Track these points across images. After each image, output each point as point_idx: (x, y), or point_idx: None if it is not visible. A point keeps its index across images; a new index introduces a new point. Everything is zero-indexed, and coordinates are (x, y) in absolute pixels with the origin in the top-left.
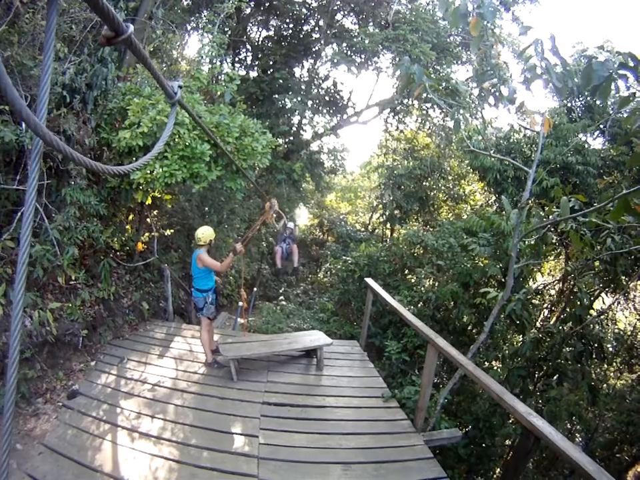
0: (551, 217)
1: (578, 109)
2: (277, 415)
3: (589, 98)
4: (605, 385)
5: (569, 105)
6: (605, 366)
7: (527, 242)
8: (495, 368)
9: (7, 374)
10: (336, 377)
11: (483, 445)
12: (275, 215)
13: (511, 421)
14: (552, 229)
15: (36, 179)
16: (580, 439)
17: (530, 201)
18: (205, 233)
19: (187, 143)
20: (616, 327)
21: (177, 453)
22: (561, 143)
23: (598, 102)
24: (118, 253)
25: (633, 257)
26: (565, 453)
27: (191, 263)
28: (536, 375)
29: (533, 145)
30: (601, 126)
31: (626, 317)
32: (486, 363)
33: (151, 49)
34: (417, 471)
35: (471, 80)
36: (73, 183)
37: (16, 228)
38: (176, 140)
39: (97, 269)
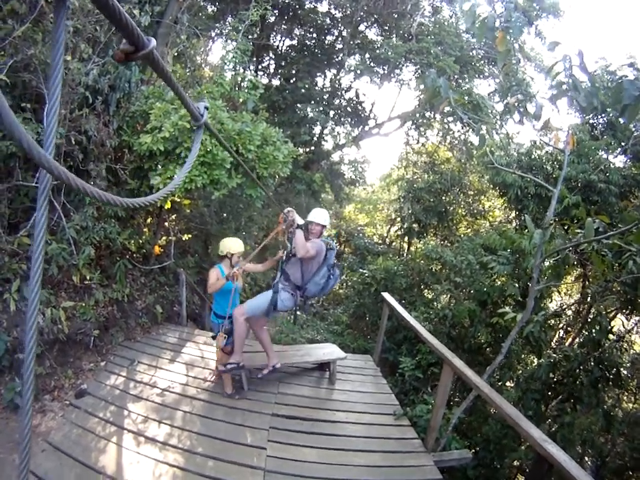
0: (575, 238)
1: (600, 126)
2: (287, 427)
3: (611, 115)
4: (619, 410)
5: (592, 121)
6: (618, 390)
7: (548, 262)
8: (509, 389)
9: (24, 370)
10: (348, 391)
11: (491, 466)
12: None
13: (521, 443)
14: (571, 249)
15: (45, 213)
16: (590, 464)
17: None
18: (224, 242)
19: (208, 149)
20: (632, 349)
21: (182, 461)
22: (583, 161)
23: (621, 120)
24: (134, 255)
25: None
26: None
27: (206, 268)
28: (548, 398)
29: (555, 162)
30: (623, 144)
31: None
32: (499, 383)
33: (175, 54)
34: None
35: (493, 94)
36: (92, 183)
37: (33, 225)
38: None
39: (112, 270)
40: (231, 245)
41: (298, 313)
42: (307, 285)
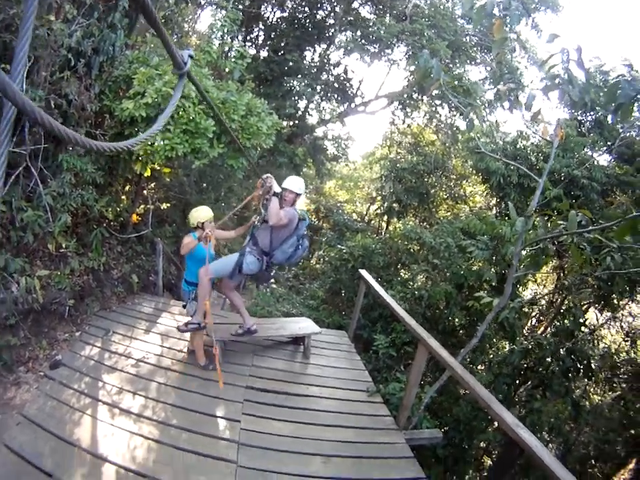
0: (557, 229)
1: (588, 123)
2: (260, 400)
3: (600, 114)
4: (586, 401)
5: (580, 118)
6: (587, 381)
7: (527, 251)
8: (480, 372)
9: None
10: (322, 366)
11: (460, 447)
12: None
13: (489, 426)
14: (549, 240)
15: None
16: (556, 451)
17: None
18: (192, 214)
19: (191, 117)
20: (603, 343)
21: (156, 433)
22: (568, 155)
23: (610, 119)
24: (111, 223)
25: (628, 277)
26: (549, 468)
27: (184, 238)
28: (518, 383)
29: (539, 154)
30: (609, 143)
31: (612, 335)
32: (471, 366)
33: (162, 20)
34: (396, 469)
35: (484, 81)
36: (70, 149)
37: (9, 191)
38: (180, 113)
39: (88, 238)
40: (199, 214)
41: (273, 284)
42: (275, 251)
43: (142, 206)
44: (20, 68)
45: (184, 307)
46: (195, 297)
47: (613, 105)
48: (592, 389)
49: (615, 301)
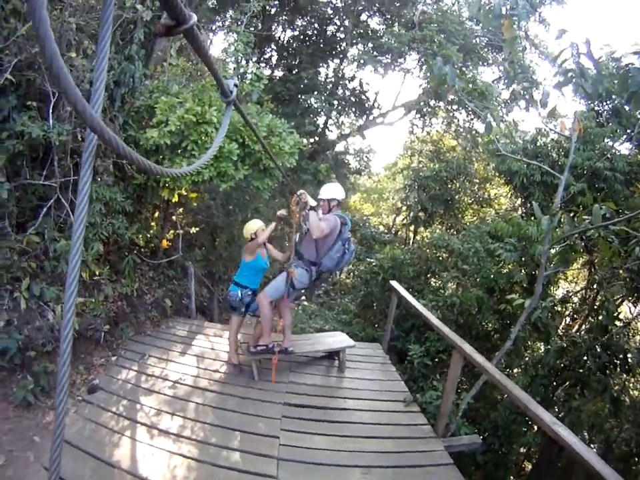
0: (582, 224)
1: (605, 113)
2: (298, 416)
3: (617, 102)
4: (626, 397)
5: (597, 108)
6: (624, 376)
7: (555, 249)
8: (516, 375)
9: (59, 363)
10: (358, 379)
11: (500, 452)
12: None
13: (529, 429)
14: (577, 236)
15: (89, 182)
16: (597, 450)
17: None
18: (244, 229)
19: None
20: (639, 336)
21: (196, 452)
22: (589, 148)
23: (627, 107)
24: (142, 250)
25: None
26: (588, 463)
27: (214, 261)
28: (555, 384)
29: (560, 149)
30: (628, 131)
31: None
32: (507, 369)
33: (177, 49)
34: (436, 477)
35: (497, 82)
36: (99, 179)
37: (41, 223)
38: (203, 138)
39: (120, 265)
40: (251, 226)
41: (305, 302)
42: (322, 259)
43: (171, 231)
44: (98, 105)
45: (232, 308)
46: (242, 297)
47: (625, 93)
48: (631, 384)
49: None
